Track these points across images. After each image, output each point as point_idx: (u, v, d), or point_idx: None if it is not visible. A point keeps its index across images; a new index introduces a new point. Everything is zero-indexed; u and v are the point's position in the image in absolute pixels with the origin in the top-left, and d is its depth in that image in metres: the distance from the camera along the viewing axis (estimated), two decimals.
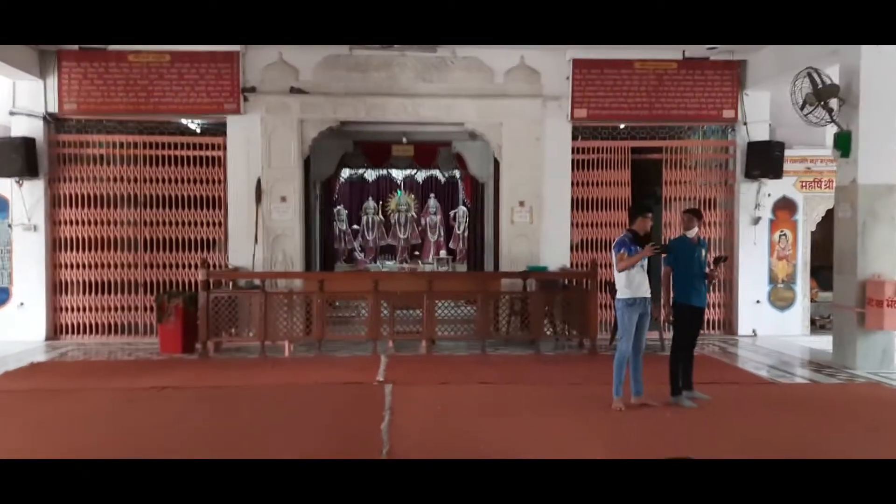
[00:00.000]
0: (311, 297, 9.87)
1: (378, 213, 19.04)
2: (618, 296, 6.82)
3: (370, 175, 18.37)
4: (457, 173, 17.64)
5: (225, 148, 11.90)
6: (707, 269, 7.27)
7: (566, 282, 11.23)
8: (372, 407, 6.91)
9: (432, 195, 19.08)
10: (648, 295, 6.81)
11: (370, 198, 19.10)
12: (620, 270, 6.71)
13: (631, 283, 6.70)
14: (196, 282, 10.46)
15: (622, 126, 12.51)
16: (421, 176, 18.62)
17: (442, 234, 19.02)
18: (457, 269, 18.00)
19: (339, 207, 18.46)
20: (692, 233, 7.12)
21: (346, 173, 17.65)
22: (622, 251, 6.72)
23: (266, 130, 11.74)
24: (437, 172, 18.34)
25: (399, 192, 19.33)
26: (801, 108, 9.31)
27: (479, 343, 10.19)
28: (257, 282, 10.45)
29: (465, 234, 18.22)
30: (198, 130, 12.67)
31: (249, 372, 8.87)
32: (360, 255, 18.64)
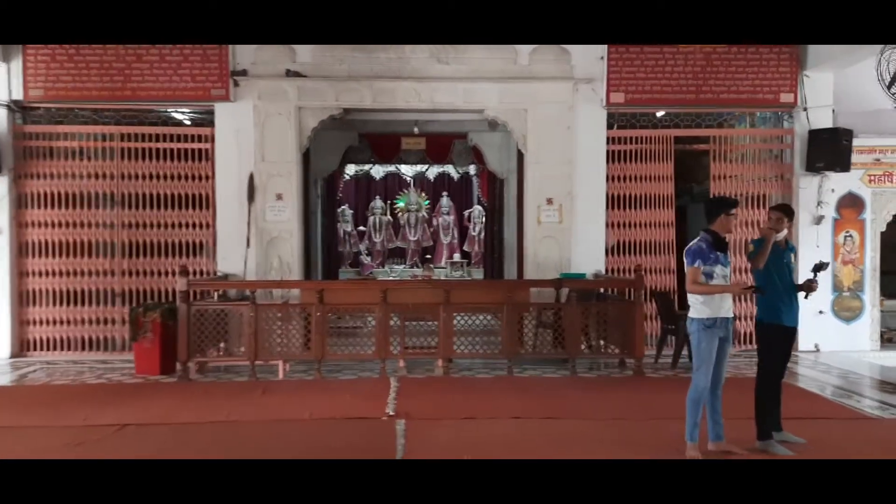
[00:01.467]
0: (310, 311, 8.57)
1: (386, 214, 17.75)
2: (692, 314, 5.48)
3: (377, 172, 17.10)
4: (472, 169, 16.35)
5: (213, 140, 10.69)
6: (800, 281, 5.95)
7: (602, 291, 9.92)
8: (381, 454, 5.60)
9: (445, 193, 17.78)
10: (731, 315, 5.47)
11: (377, 196, 17.81)
12: (697, 293, 5.38)
13: (710, 299, 5.37)
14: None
15: (659, 114, 11.22)
16: (433, 172, 17.32)
17: (456, 235, 17.72)
18: (472, 273, 16.73)
19: (343, 207, 17.19)
20: (781, 235, 5.78)
21: (350, 170, 16.39)
22: (697, 264, 5.40)
23: (259, 119, 10.52)
24: (450, 168, 17.05)
25: (409, 190, 17.96)
26: (889, 87, 7.97)
27: (503, 362, 8.90)
28: (249, 292, 9.18)
29: (482, 235, 16.93)
30: (185, 121, 11.43)
31: (234, 400, 7.60)
32: (366, 260, 17.34)
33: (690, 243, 5.53)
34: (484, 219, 16.62)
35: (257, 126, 10.51)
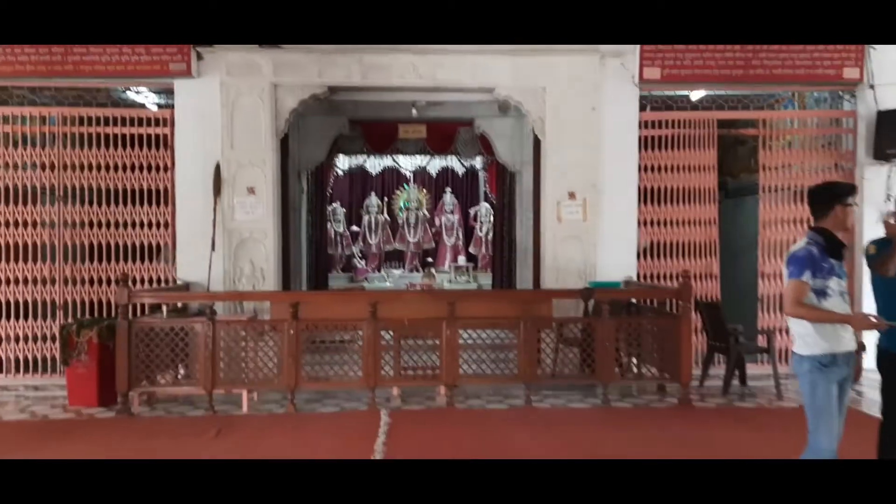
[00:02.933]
0: (281, 328, 7.08)
1: (383, 212, 16.23)
2: (799, 350, 3.96)
3: (372, 165, 15.62)
4: (478, 162, 14.84)
5: (172, 124, 9.26)
6: None
7: (633, 301, 8.43)
8: None
9: (448, 189, 16.27)
10: (854, 347, 3.94)
11: (373, 193, 16.31)
12: (805, 319, 3.87)
13: (824, 327, 3.84)
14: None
15: (696, 96, 9.78)
16: (435, 166, 15.82)
17: (460, 236, 16.19)
18: (478, 279, 15.24)
19: (335, 205, 15.72)
20: None
21: (342, 162, 14.90)
22: (805, 276, 3.87)
23: (227, 99, 9.12)
24: (454, 161, 15.56)
25: (408, 186, 16.45)
26: None
27: (519, 388, 7.43)
28: (208, 305, 7.69)
29: (489, 236, 15.43)
30: (140, 101, 9.97)
31: (178, 445, 6.12)
32: (360, 263, 15.83)
33: (795, 247, 3.99)
34: (492, 217, 15.12)
35: (225, 107, 9.09)
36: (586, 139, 9.24)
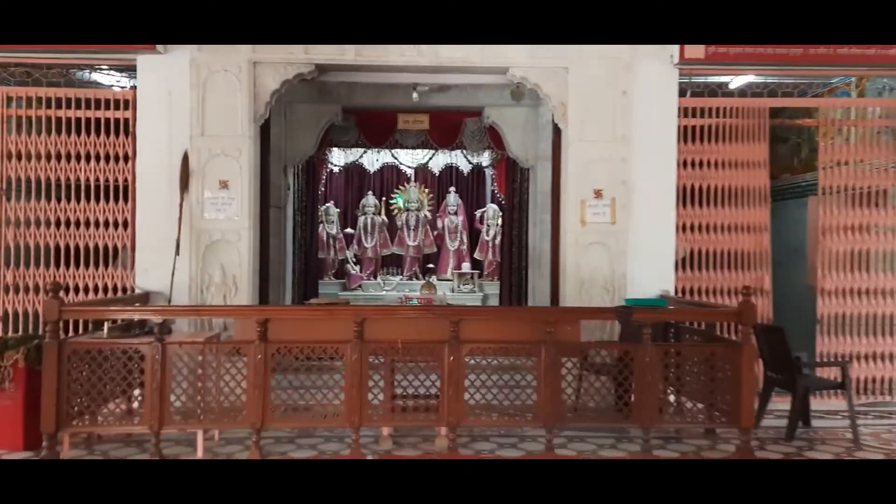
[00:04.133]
0: (248, 352, 5.81)
1: (380, 213, 14.93)
2: None
3: (370, 162, 14.31)
4: (485, 158, 13.56)
5: (135, 106, 7.98)
6: None
7: (671, 325, 7.17)
8: None
9: (452, 189, 14.96)
10: None
11: (370, 192, 15.00)
12: None
13: None
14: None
15: (742, 81, 8.54)
16: (438, 163, 14.51)
17: (465, 240, 14.87)
18: (485, 288, 13.96)
19: (328, 205, 14.42)
20: None
21: (337, 157, 13.60)
22: None
23: (198, 78, 7.93)
24: (458, 158, 14.25)
25: (408, 184, 15.19)
26: None
27: (538, 430, 6.15)
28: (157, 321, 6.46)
29: (497, 240, 14.15)
30: (97, 80, 8.75)
31: None
32: (354, 270, 14.52)
33: None
34: (501, 220, 13.87)
35: (195, 87, 7.89)
36: (615, 128, 8.03)
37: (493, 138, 11.26)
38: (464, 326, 5.97)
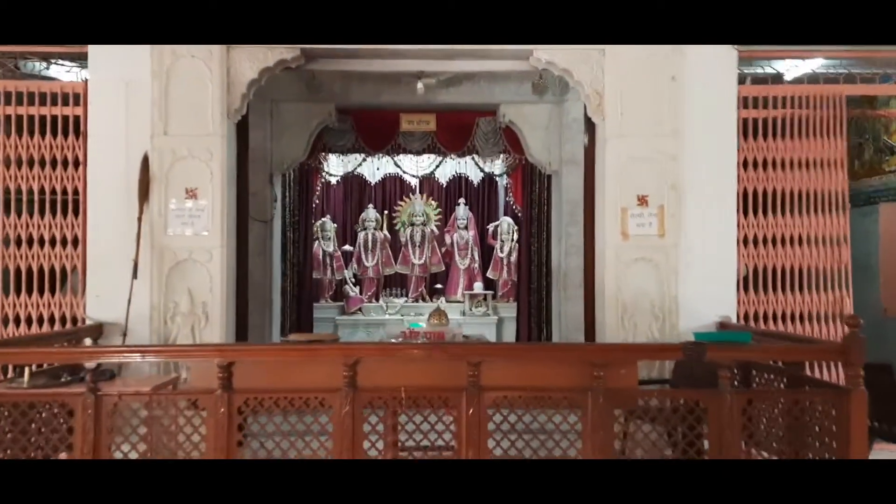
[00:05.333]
0: (208, 405, 4.53)
1: (382, 228, 13.64)
2: None
3: (371, 172, 13.04)
4: (498, 166, 12.30)
5: (86, 100, 6.77)
6: None
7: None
8: None
9: (462, 200, 13.65)
10: None
11: (371, 205, 13.72)
12: None
13: None
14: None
15: (810, 64, 7.30)
16: (445, 172, 13.23)
17: (476, 257, 13.56)
18: (499, 310, 12.66)
19: (323, 219, 13.13)
20: None
21: (335, 167, 12.34)
22: None
23: (161, 66, 6.78)
24: (468, 167, 12.97)
25: (413, 196, 13.90)
26: None
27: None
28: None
29: (513, 257, 12.85)
30: (42, 70, 7.56)
31: None
32: (353, 292, 13.20)
33: None
34: (516, 234, 12.57)
35: (157, 76, 6.73)
36: (662, 121, 6.84)
37: (510, 141, 10.02)
38: (485, 370, 4.68)
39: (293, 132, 9.39)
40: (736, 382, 5.21)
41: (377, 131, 10.09)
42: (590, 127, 7.53)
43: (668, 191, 6.77)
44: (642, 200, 6.78)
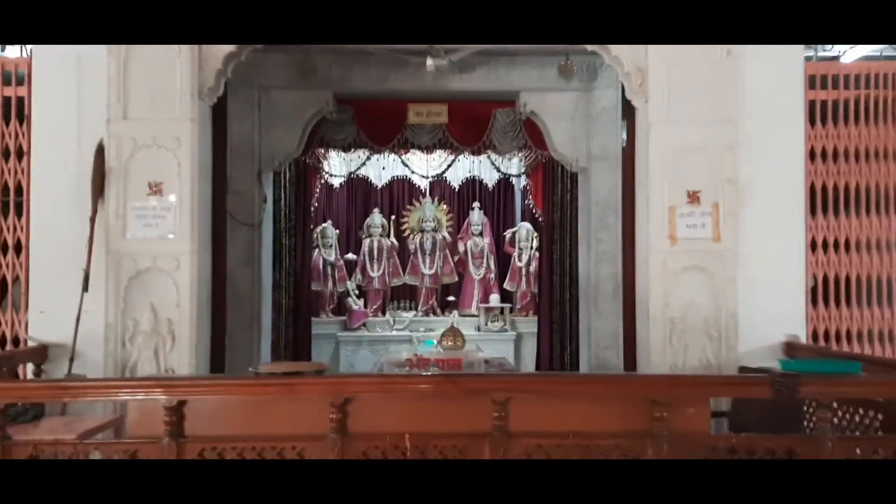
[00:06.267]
0: (151, 457, 3.51)
1: (389, 235, 12.65)
2: None
3: (374, 172, 12.10)
4: (514, 165, 11.32)
5: (30, 79, 5.81)
6: None
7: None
8: None
9: (476, 204, 12.65)
10: None
11: (376, 209, 12.72)
12: None
13: None
14: None
15: None
16: (458, 174, 12.29)
17: (493, 267, 12.54)
18: (518, 325, 11.70)
19: (324, 225, 12.16)
20: None
21: (336, 167, 11.40)
22: None
23: None
24: (483, 168, 12.06)
25: (423, 200, 12.89)
26: None
27: None
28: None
29: (533, 267, 11.84)
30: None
31: None
32: (356, 305, 12.19)
33: None
34: (537, 241, 11.57)
35: (114, 50, 5.73)
36: (716, 104, 5.81)
37: (531, 135, 9.00)
38: (513, 409, 3.65)
39: (285, 124, 8.40)
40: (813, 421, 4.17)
41: (382, 124, 9.09)
42: (628, 113, 6.52)
43: (724, 186, 5.73)
44: (693, 197, 5.74)
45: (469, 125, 9.23)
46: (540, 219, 11.01)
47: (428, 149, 10.08)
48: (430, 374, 5.59)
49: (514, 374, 6.55)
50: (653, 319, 5.74)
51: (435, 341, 9.09)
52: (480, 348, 8.72)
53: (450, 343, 7.22)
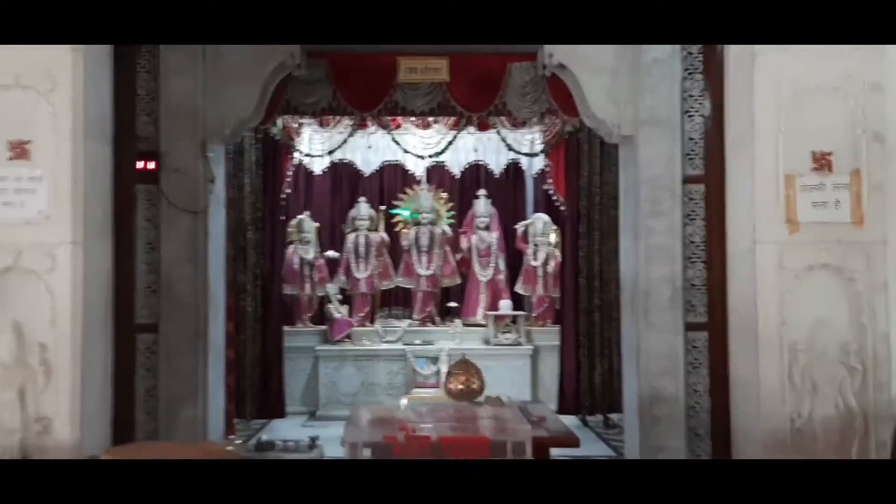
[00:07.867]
0: None
1: (378, 228, 11.06)
2: None
3: (361, 155, 10.54)
4: (527, 142, 9.73)
5: None
6: None
7: None
8: None
9: (482, 192, 11.05)
10: None
11: (362, 198, 11.13)
12: None
13: None
14: None
15: None
16: (460, 159, 10.80)
17: (502, 267, 10.96)
18: (535, 337, 10.16)
19: (301, 217, 10.57)
20: None
21: (317, 143, 9.86)
22: None
23: None
24: (488, 148, 10.54)
25: (418, 187, 11.33)
26: None
27: None
28: None
29: (551, 266, 10.30)
30: None
31: None
32: (338, 312, 10.49)
33: None
34: (556, 236, 10.02)
35: None
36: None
37: (558, 96, 7.20)
38: None
39: (239, 82, 6.61)
40: None
41: (364, 83, 7.32)
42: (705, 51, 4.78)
43: (868, 144, 4.05)
44: (821, 161, 4.02)
45: (477, 84, 7.48)
46: (562, 208, 9.64)
47: (423, 116, 8.39)
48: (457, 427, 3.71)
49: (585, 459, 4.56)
50: (763, 344, 4.07)
51: (425, 363, 7.29)
52: (512, 400, 6.16)
53: (461, 386, 4.83)
